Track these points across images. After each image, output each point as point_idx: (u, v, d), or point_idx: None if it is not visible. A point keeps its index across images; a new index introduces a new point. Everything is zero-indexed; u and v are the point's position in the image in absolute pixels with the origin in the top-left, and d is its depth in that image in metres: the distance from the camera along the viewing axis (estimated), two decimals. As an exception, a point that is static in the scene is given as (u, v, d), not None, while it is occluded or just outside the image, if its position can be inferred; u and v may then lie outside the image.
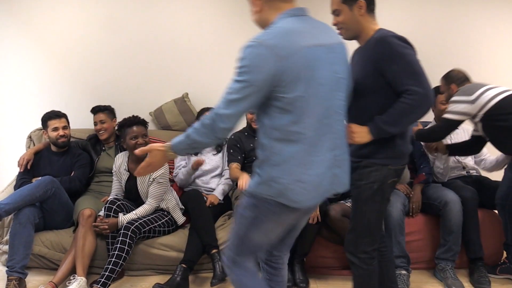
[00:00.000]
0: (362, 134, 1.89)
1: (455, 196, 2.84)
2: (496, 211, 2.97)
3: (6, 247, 2.86)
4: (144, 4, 3.65)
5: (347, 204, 2.83)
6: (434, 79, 3.66)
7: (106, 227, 2.68)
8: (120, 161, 2.97)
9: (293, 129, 1.60)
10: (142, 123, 2.89)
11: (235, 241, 1.79)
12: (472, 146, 2.84)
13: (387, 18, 3.70)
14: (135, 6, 3.65)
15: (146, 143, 2.84)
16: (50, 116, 3.09)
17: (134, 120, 2.87)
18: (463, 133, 3.20)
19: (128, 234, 2.64)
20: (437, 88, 3.07)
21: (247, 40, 3.75)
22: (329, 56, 1.65)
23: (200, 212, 2.83)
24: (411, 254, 2.77)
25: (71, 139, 3.24)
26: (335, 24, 1.99)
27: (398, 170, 1.97)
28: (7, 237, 2.87)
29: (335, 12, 1.98)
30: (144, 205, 2.85)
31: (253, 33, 3.64)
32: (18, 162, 3.04)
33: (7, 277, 2.58)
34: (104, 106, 3.31)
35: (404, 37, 1.88)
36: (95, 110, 3.29)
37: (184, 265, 2.69)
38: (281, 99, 1.57)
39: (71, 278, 2.60)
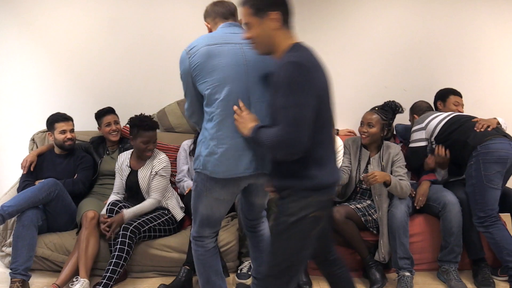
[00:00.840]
0: (244, 125, 1.85)
1: (453, 197, 2.84)
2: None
3: (9, 249, 2.87)
4: (146, 6, 3.66)
5: (351, 206, 2.83)
6: (438, 80, 3.68)
7: (110, 224, 2.70)
8: (123, 158, 3.01)
9: (208, 109, 1.97)
10: (156, 128, 2.92)
11: (192, 215, 2.14)
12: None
13: (391, 18, 3.70)
14: (138, 8, 3.66)
15: (155, 147, 2.95)
16: (57, 119, 3.10)
17: (151, 125, 2.86)
18: None
19: (127, 234, 2.65)
20: (442, 91, 3.30)
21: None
22: (242, 51, 1.97)
23: None
24: (413, 256, 2.76)
25: (77, 142, 3.26)
26: (248, 39, 1.81)
27: (322, 202, 1.75)
28: (10, 239, 2.88)
29: (247, 26, 1.79)
30: (148, 200, 2.88)
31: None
32: (21, 164, 3.05)
33: (11, 279, 2.59)
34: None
35: (312, 61, 1.66)
36: (108, 111, 3.28)
37: (187, 267, 2.69)
38: (199, 86, 1.98)
39: (74, 280, 2.61)
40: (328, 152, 1.76)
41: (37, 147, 3.40)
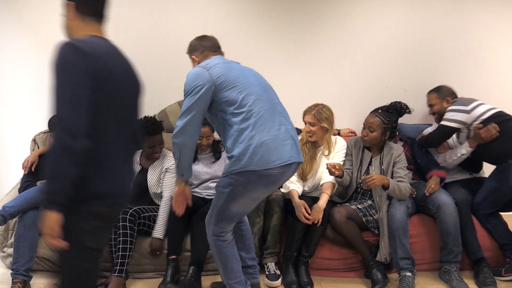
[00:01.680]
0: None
1: (448, 198, 2.83)
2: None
3: (10, 250, 2.86)
4: (148, 6, 3.66)
5: (352, 206, 2.83)
6: (439, 80, 3.67)
7: (157, 250, 2.79)
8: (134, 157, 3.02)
9: (241, 110, 2.15)
10: (160, 130, 2.95)
11: (216, 215, 2.22)
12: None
13: (391, 18, 3.70)
14: (140, 8, 3.66)
15: (162, 149, 3.01)
16: None
17: (153, 130, 2.89)
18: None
19: (127, 218, 2.70)
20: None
21: (251, 41, 3.75)
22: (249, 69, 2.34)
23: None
24: (414, 256, 2.76)
25: None
26: None
27: (100, 213, 1.55)
28: (11, 240, 2.87)
29: None
30: (161, 205, 2.89)
31: (254, 34, 3.68)
32: (23, 164, 3.05)
33: (12, 279, 2.59)
34: None
35: (97, 49, 1.53)
36: None
37: (193, 267, 2.71)
38: (225, 93, 2.16)
39: None
40: (114, 158, 1.57)
41: (38, 147, 3.40)
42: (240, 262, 2.41)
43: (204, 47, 2.38)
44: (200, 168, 3.12)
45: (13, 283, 2.57)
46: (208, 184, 3.15)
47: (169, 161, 2.98)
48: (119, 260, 2.62)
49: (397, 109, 2.93)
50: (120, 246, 2.64)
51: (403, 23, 3.70)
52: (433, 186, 2.91)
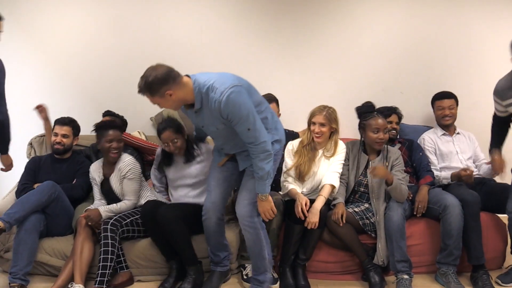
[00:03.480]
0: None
1: (454, 200, 2.82)
2: (498, 215, 2.98)
3: (7, 254, 2.85)
4: (145, 9, 3.66)
5: (349, 210, 2.83)
6: (435, 82, 3.68)
7: (90, 218, 2.71)
8: (95, 167, 3.01)
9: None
10: (119, 127, 2.93)
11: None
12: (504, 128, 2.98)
13: (388, 18, 3.70)
14: (136, 11, 3.67)
15: (120, 148, 2.90)
16: (57, 121, 3.16)
17: (111, 124, 2.92)
18: (468, 140, 3.29)
19: (108, 228, 2.66)
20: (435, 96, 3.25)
21: (248, 43, 3.73)
22: None
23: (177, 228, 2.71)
24: (412, 259, 2.76)
25: (78, 147, 3.27)
26: None
27: None
28: (8, 244, 2.86)
29: None
30: (124, 201, 2.88)
31: (253, 36, 3.68)
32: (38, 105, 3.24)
33: (9, 283, 2.58)
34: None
35: None
36: (104, 113, 3.44)
37: (192, 266, 2.72)
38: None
39: (69, 286, 2.59)
40: None
41: (35, 151, 3.41)
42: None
43: (172, 76, 2.19)
44: (173, 174, 3.02)
45: (10, 287, 2.57)
46: (197, 193, 3.03)
47: (125, 167, 2.87)
48: (100, 271, 2.57)
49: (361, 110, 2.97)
50: (101, 256, 2.59)
51: (401, 25, 3.71)
52: (419, 206, 2.91)
